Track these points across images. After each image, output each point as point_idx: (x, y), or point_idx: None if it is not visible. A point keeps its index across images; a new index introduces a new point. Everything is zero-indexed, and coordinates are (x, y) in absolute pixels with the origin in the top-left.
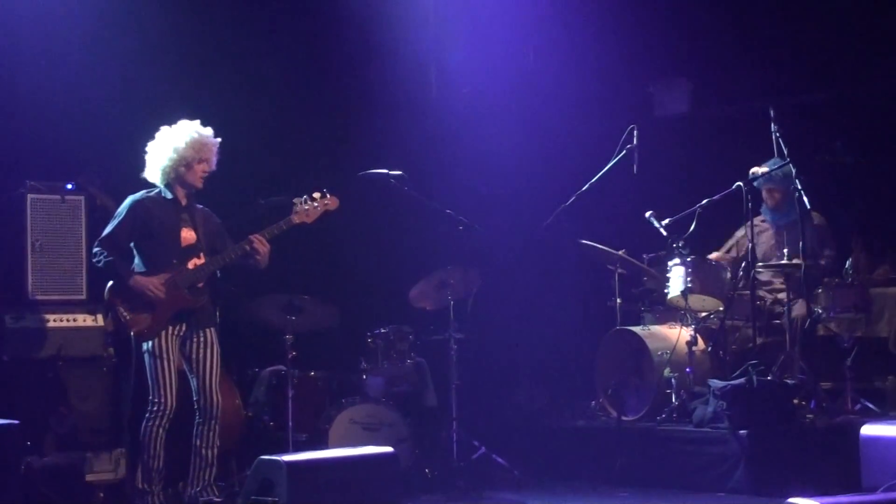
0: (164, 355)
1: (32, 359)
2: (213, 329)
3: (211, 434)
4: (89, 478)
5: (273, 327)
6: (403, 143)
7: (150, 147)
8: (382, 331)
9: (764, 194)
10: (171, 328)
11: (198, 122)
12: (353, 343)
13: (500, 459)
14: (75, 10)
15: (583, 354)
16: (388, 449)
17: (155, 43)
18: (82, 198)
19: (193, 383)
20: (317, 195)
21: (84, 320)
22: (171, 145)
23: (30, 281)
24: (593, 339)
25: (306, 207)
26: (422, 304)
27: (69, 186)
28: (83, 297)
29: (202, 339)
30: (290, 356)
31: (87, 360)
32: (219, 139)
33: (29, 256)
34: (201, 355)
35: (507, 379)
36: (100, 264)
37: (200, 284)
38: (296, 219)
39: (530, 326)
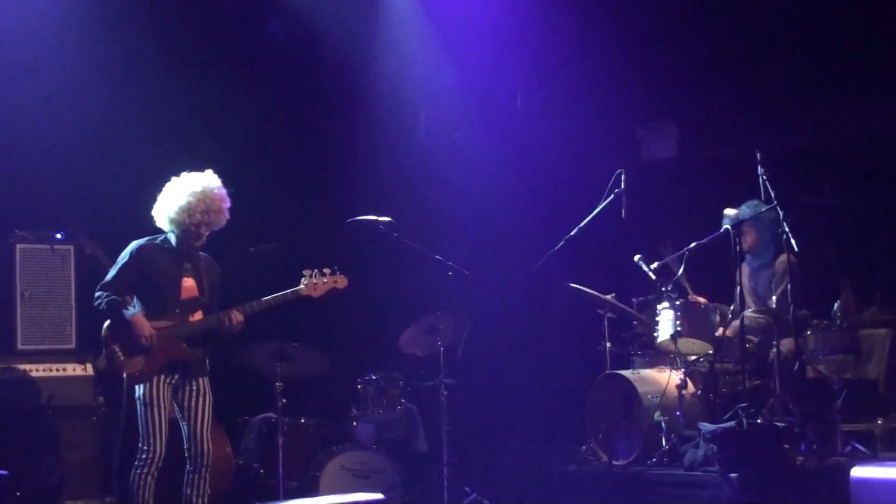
0: (156, 402)
1: (22, 409)
2: (205, 378)
3: (202, 483)
4: None
5: (263, 374)
6: (392, 188)
7: (164, 190)
8: (373, 377)
9: (743, 234)
10: (164, 376)
11: (215, 177)
12: (344, 390)
13: None
14: (65, 60)
15: (573, 399)
16: (379, 496)
17: (144, 92)
18: (71, 247)
19: (185, 430)
20: (327, 271)
21: (73, 370)
22: (181, 195)
23: (19, 331)
24: (583, 384)
25: (315, 281)
26: (412, 350)
27: (58, 236)
28: (72, 346)
29: (195, 387)
30: (280, 403)
31: (76, 410)
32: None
33: (18, 306)
34: (193, 403)
35: (498, 424)
36: (101, 306)
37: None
38: (303, 291)
39: (520, 371)
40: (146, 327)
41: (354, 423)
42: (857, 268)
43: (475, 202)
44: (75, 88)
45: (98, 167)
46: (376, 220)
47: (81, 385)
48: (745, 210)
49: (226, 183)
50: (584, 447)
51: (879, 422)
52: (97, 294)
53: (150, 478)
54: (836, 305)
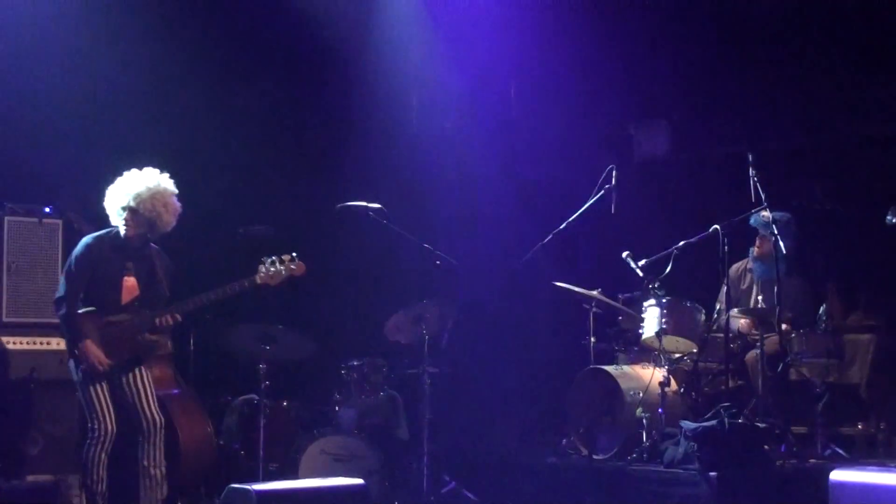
0: (96, 380)
1: (4, 381)
2: (143, 366)
3: (157, 452)
4: (59, 501)
5: (247, 356)
6: (383, 176)
7: (115, 183)
8: (356, 363)
9: (757, 240)
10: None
11: (165, 176)
12: (327, 374)
13: (470, 494)
14: (55, 36)
15: (555, 392)
16: (359, 481)
17: (136, 69)
18: (60, 221)
19: (131, 404)
20: (286, 258)
21: (57, 343)
22: (128, 191)
23: (4, 303)
24: (566, 378)
25: (272, 270)
26: (397, 337)
27: (47, 210)
28: (57, 319)
29: (132, 369)
30: (263, 385)
31: (59, 384)
32: (178, 203)
33: (4, 278)
34: (132, 379)
35: (480, 414)
36: (59, 316)
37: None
38: (259, 280)
39: (504, 363)
40: (94, 355)
41: (336, 408)
42: (843, 272)
43: (466, 192)
44: (68, 63)
45: (89, 142)
46: (366, 207)
47: (65, 359)
48: (780, 216)
49: (218, 165)
50: (564, 440)
51: (860, 426)
52: (56, 307)
53: (103, 454)
54: (821, 310)
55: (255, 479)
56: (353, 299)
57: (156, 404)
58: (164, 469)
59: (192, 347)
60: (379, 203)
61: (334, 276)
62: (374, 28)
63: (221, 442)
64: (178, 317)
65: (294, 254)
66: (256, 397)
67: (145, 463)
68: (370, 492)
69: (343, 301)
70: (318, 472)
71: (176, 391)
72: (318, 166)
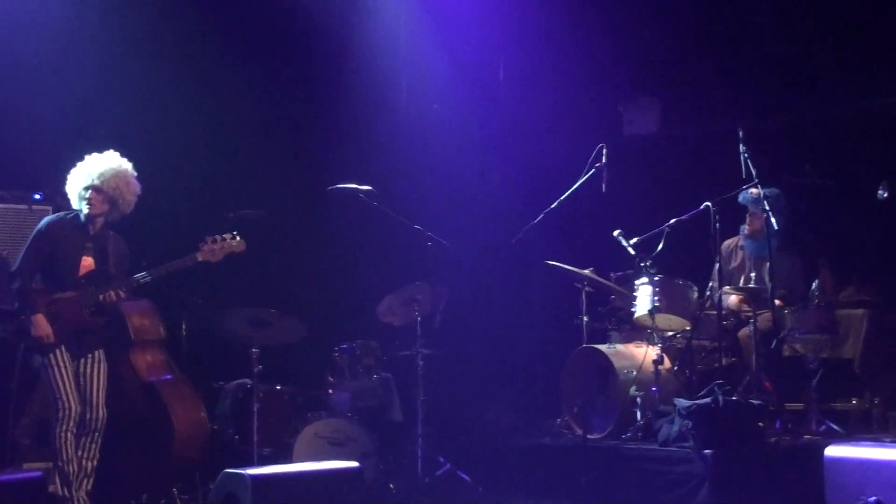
0: (60, 363)
1: None
2: (102, 349)
3: (93, 446)
4: (52, 488)
5: (240, 340)
6: (373, 158)
7: (77, 167)
8: (349, 346)
9: (747, 218)
10: (63, 346)
11: (125, 159)
12: (320, 357)
13: (464, 476)
14: (44, 24)
15: (549, 372)
16: (353, 464)
17: (124, 53)
18: (49, 208)
19: (83, 396)
20: (227, 236)
21: None
22: (91, 171)
23: None
24: (559, 357)
25: (214, 247)
26: (389, 319)
27: (37, 196)
28: None
29: (92, 356)
30: (256, 370)
31: None
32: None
33: None
34: (89, 370)
35: (474, 395)
36: (11, 289)
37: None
38: (200, 256)
39: (497, 343)
40: (44, 328)
41: (330, 391)
42: (835, 248)
43: (456, 173)
44: (57, 51)
45: (79, 129)
46: (357, 189)
47: None
48: (770, 192)
49: (207, 150)
50: (558, 420)
51: (854, 401)
52: (10, 280)
53: (70, 434)
54: (813, 285)
55: (250, 464)
56: (344, 281)
57: (104, 399)
58: (95, 462)
59: (184, 332)
60: (369, 185)
61: (325, 258)
62: (362, 9)
63: (215, 427)
64: (122, 293)
65: (235, 232)
66: (250, 381)
67: (79, 454)
68: (365, 474)
69: (335, 283)
70: (313, 455)
71: (169, 376)
72: (307, 149)
